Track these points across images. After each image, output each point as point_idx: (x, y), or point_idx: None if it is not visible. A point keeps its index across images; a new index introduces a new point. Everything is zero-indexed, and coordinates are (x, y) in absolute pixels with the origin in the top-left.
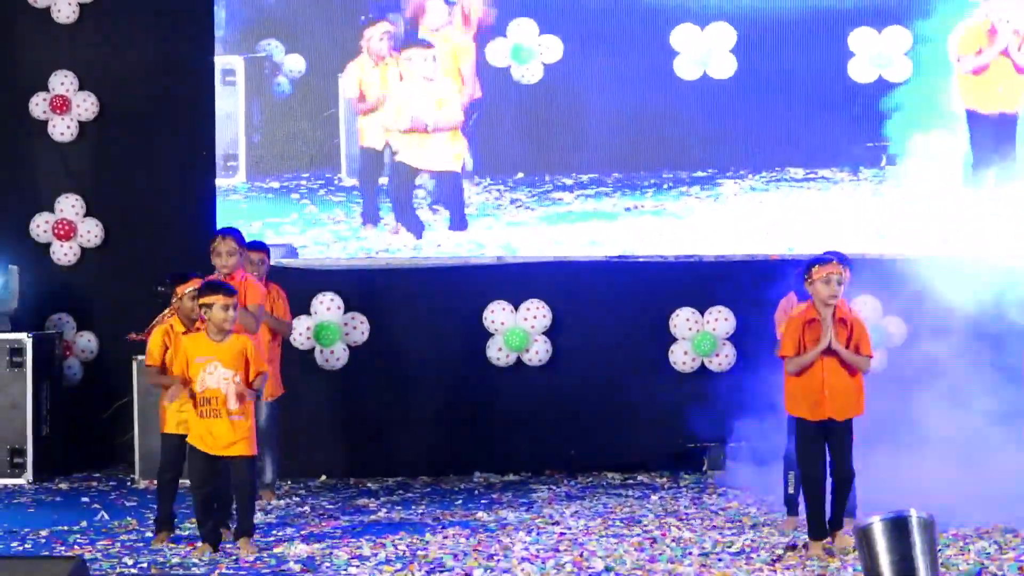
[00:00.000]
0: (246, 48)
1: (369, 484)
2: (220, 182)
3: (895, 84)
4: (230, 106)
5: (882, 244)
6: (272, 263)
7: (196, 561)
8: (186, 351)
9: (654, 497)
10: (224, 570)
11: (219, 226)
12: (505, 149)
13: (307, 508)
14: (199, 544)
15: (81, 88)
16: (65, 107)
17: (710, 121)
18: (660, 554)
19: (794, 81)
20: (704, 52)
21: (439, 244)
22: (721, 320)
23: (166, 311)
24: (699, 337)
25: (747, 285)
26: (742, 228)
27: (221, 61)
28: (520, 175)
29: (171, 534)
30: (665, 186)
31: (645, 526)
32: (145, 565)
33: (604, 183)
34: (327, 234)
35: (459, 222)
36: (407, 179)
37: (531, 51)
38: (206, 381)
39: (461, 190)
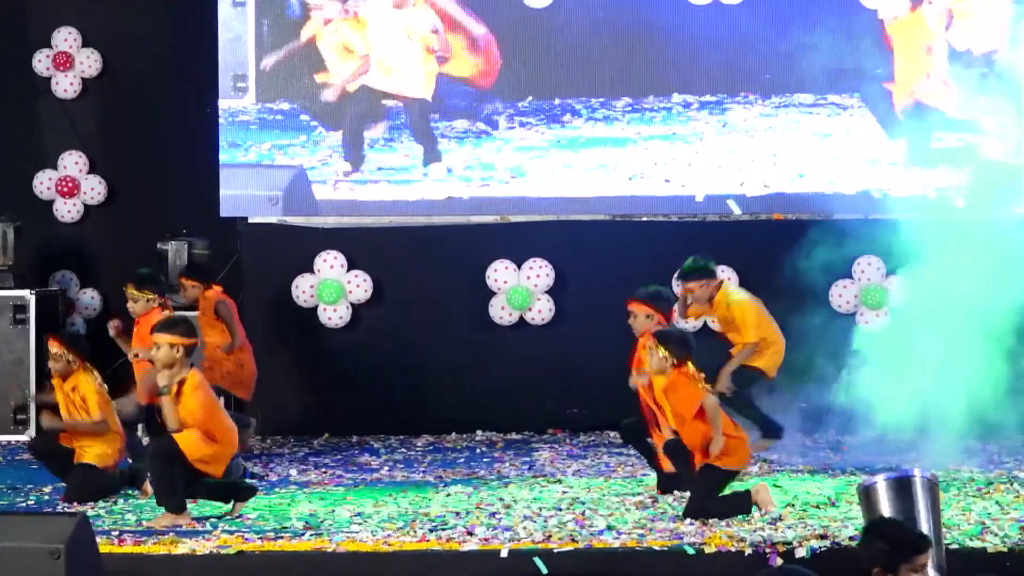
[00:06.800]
0: None
1: (372, 442)
2: (230, 103)
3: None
4: (239, 28)
5: (885, 201)
6: (275, 221)
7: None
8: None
9: None
10: (227, 527)
11: (222, 172)
12: (515, 74)
13: (310, 466)
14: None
15: (84, 45)
16: (68, 64)
17: (720, 46)
18: (662, 513)
19: (805, 6)
20: None
21: (449, 168)
22: (725, 279)
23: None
24: None
25: (750, 245)
26: (750, 155)
27: None
28: (529, 99)
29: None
30: (675, 111)
31: (647, 485)
32: (147, 522)
33: (613, 107)
34: (336, 155)
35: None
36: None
37: None
38: None
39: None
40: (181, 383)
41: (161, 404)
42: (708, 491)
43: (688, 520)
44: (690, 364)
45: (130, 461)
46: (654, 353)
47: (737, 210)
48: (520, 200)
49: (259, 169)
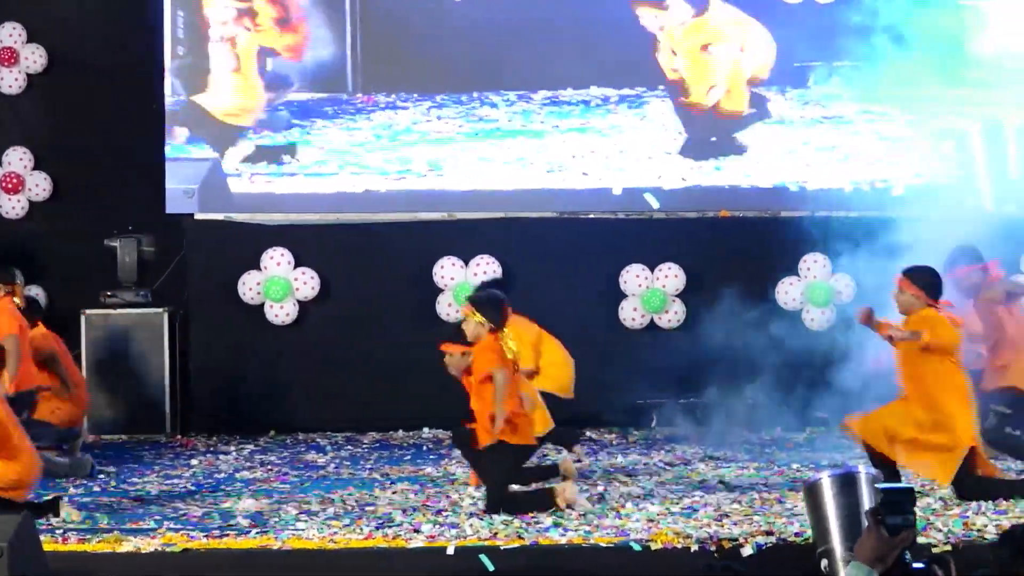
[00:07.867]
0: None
1: (318, 439)
2: (171, 97)
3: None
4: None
5: (807, 197)
6: (222, 217)
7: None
8: None
9: (603, 453)
10: (173, 525)
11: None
12: (431, 66)
13: (256, 463)
14: None
15: (29, 40)
16: (13, 59)
17: (639, 40)
18: (609, 510)
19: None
20: None
21: (363, 157)
22: (671, 276)
23: None
24: (648, 294)
25: (696, 242)
26: (667, 148)
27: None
28: (446, 93)
29: None
30: (593, 104)
31: (594, 482)
32: (92, 520)
33: (531, 99)
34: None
35: None
36: None
37: None
38: None
39: None
40: None
41: None
42: (500, 474)
43: (635, 517)
44: (508, 340)
45: None
46: (470, 320)
47: (655, 203)
48: (437, 193)
49: (177, 163)
